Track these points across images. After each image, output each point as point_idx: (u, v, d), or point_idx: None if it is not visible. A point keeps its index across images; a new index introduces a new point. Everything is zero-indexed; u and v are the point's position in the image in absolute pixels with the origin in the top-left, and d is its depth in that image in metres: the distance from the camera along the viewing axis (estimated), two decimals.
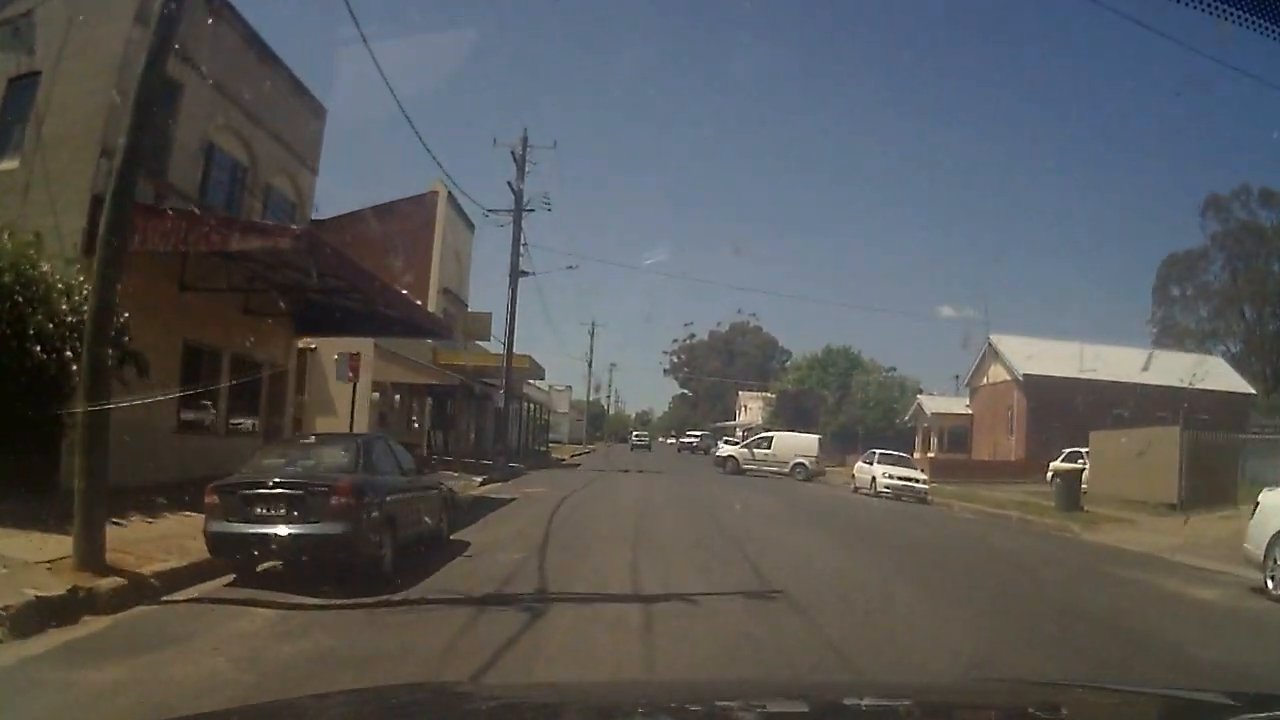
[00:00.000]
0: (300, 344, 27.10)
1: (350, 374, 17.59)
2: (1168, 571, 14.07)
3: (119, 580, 7.94)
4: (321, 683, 5.63)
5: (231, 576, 9.26)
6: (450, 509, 11.92)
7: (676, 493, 24.87)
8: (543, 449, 52.00)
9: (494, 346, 36.20)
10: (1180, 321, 61.37)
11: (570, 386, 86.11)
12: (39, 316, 10.97)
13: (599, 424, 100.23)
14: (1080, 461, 30.78)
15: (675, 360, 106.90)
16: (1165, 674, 7.16)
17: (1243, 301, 59.44)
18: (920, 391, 55.17)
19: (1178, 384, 41.12)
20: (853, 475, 31.62)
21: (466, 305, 38.86)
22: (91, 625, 7.19)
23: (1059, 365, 41.95)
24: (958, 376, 61.73)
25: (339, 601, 8.10)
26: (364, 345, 25.71)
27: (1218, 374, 46.07)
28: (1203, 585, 12.54)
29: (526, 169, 32.20)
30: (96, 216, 10.13)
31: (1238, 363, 52.04)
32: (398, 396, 29.62)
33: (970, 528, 20.39)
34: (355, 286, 14.66)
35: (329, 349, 26.28)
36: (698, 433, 77.80)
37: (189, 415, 17.21)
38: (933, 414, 49.24)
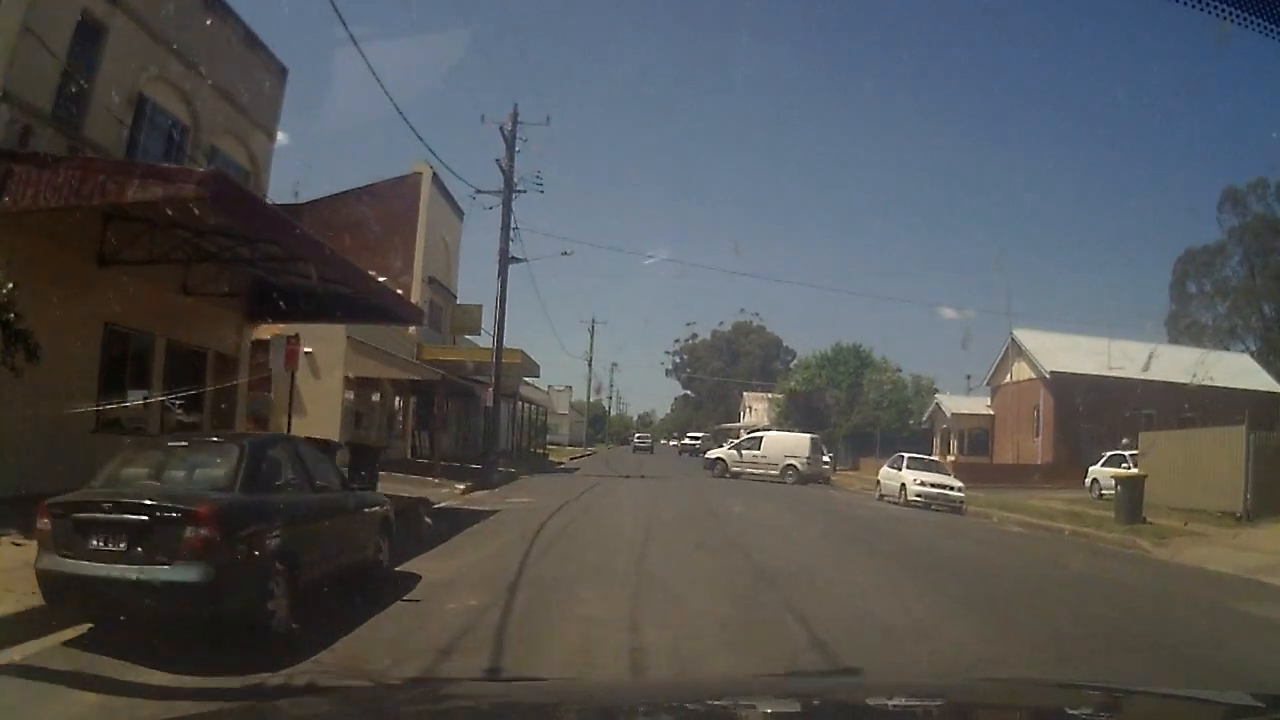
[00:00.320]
0: (267, 334, 24.65)
1: (288, 361, 14.85)
2: None
3: None
4: None
5: (87, 627, 6.68)
6: (390, 534, 9.11)
7: (683, 505, 21.63)
8: (540, 452, 49.46)
9: (486, 342, 33.60)
10: (1198, 318, 59.83)
11: (570, 387, 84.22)
12: None
13: (600, 426, 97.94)
14: (1124, 465, 28.34)
15: (678, 361, 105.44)
16: None
17: (1261, 298, 57.68)
18: (936, 391, 52.59)
19: (1207, 382, 38.78)
20: (877, 482, 28.69)
21: (455, 297, 36.27)
22: None
23: (1084, 362, 39.50)
24: (969, 376, 59.75)
25: (193, 683, 5.46)
26: (336, 337, 23.17)
27: (1250, 371, 43.86)
28: None
29: (517, 147, 29.52)
30: None
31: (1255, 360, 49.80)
32: (377, 395, 26.95)
33: (1033, 548, 17.32)
34: (293, 252, 12.05)
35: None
36: (699, 434, 75.36)
37: (113, 412, 14.63)
38: (953, 414, 46.47)
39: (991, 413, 45.80)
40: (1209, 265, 58.98)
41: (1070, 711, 2.57)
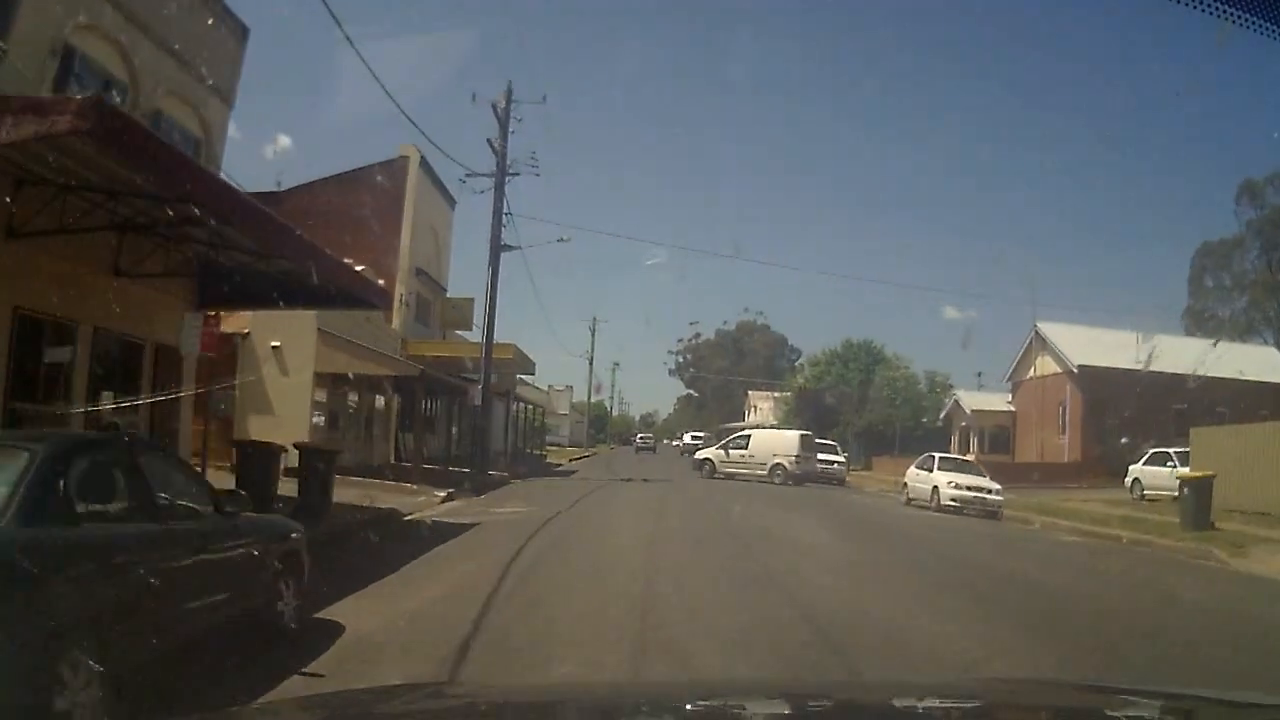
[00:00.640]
0: (237, 329, 22.53)
1: (204, 344, 12.48)
2: None
3: None
4: None
5: None
6: (299, 573, 6.67)
7: (694, 516, 18.83)
8: (539, 453, 47.28)
9: (479, 337, 31.36)
10: (1215, 312, 58.55)
11: (571, 387, 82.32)
12: None
13: (602, 426, 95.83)
14: (1170, 464, 26.25)
15: (681, 360, 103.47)
16: None
17: None
18: (950, 387, 50.39)
19: (1236, 375, 36.98)
20: (903, 484, 26.35)
21: (445, 290, 34.10)
22: None
23: (1110, 355, 37.35)
24: (980, 374, 58.29)
25: None
26: (306, 329, 21.02)
27: (1275, 365, 41.91)
28: None
29: (511, 129, 27.33)
30: None
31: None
32: (352, 393, 24.76)
33: (1103, 563, 14.71)
34: (219, 213, 9.88)
35: (264, 334, 21.57)
36: (701, 434, 73.21)
37: (26, 408, 12.48)
38: (972, 411, 44.18)
39: (1013, 409, 43.58)
40: (1227, 259, 58.46)
41: (1068, 713, 2.52)
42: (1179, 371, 36.11)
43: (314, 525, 11.95)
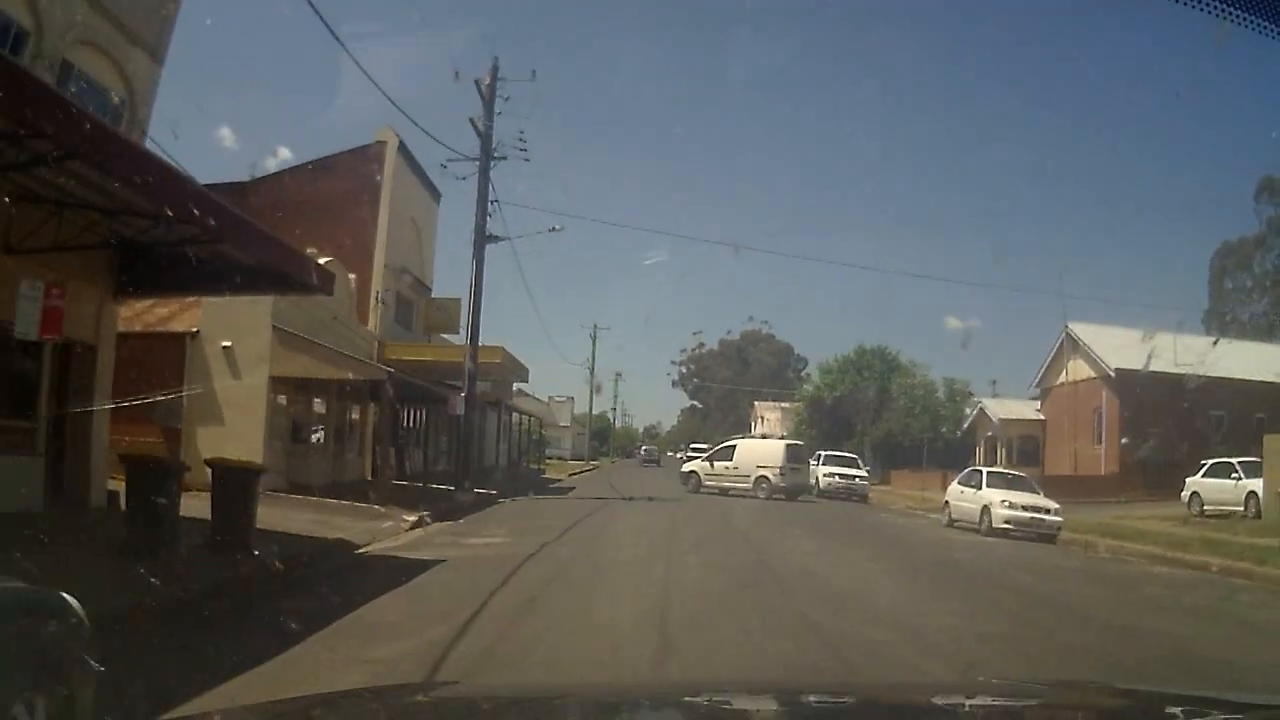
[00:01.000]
0: (185, 327, 19.88)
1: (46, 325, 8.94)
2: None
3: None
4: None
5: None
6: (61, 676, 3.37)
7: (715, 549, 15.22)
8: (537, 467, 44.52)
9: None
10: (1236, 314, 57.37)
11: (572, 398, 79.91)
12: None
13: (605, 439, 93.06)
14: (1233, 475, 23.63)
15: (684, 371, 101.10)
16: None
17: None
18: (971, 395, 47.66)
19: (1274, 379, 34.69)
20: (945, 503, 23.25)
21: (429, 289, 31.46)
22: None
23: (1144, 359, 34.66)
24: (994, 381, 56.19)
25: None
26: (260, 327, 18.39)
27: None
28: None
29: (498, 109, 24.75)
30: None
31: None
32: (320, 400, 22.08)
33: (1232, 607, 11.81)
34: (71, 150, 7.25)
35: (216, 333, 18.95)
36: (703, 446, 70.46)
37: None
38: (1000, 420, 41.28)
39: (1042, 418, 40.77)
40: (1247, 258, 56.67)
41: (1067, 713, 2.52)
42: (1216, 375, 33.69)
43: (208, 568, 9.27)
